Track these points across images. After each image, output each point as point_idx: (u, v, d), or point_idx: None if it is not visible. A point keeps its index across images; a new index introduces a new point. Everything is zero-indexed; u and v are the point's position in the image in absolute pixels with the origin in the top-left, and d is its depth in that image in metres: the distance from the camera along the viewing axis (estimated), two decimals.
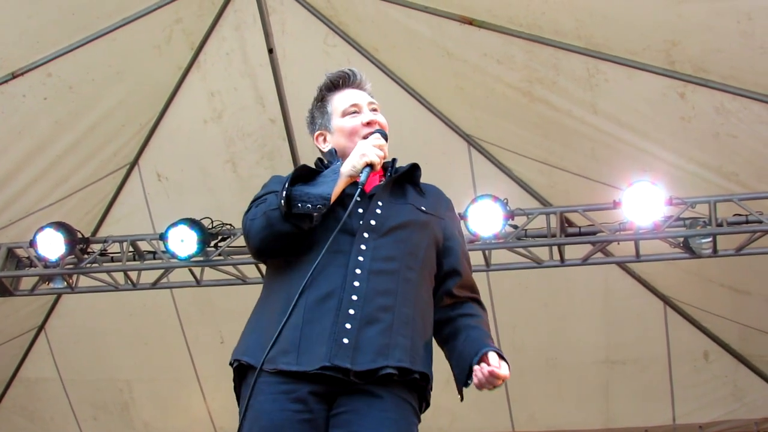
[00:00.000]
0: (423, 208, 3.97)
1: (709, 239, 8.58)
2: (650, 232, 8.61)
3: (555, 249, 9.09)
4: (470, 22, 8.48)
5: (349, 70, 4.24)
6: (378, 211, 3.84)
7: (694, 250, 8.62)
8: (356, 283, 3.61)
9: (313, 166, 3.97)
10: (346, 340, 3.49)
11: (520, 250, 9.11)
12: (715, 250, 8.62)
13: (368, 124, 4.04)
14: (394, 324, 3.60)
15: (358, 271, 3.65)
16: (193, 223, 9.29)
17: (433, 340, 3.93)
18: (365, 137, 3.97)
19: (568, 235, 8.97)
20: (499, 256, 9.32)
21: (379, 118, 4.09)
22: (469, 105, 9.45)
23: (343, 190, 3.78)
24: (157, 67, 9.55)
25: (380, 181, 4.02)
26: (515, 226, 8.97)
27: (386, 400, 3.52)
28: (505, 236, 8.92)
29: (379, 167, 3.88)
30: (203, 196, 10.25)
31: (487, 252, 9.19)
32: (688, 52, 7.76)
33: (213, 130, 10.04)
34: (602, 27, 7.95)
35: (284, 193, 3.61)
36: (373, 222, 3.79)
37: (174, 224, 9.31)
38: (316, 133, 4.20)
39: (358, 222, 3.78)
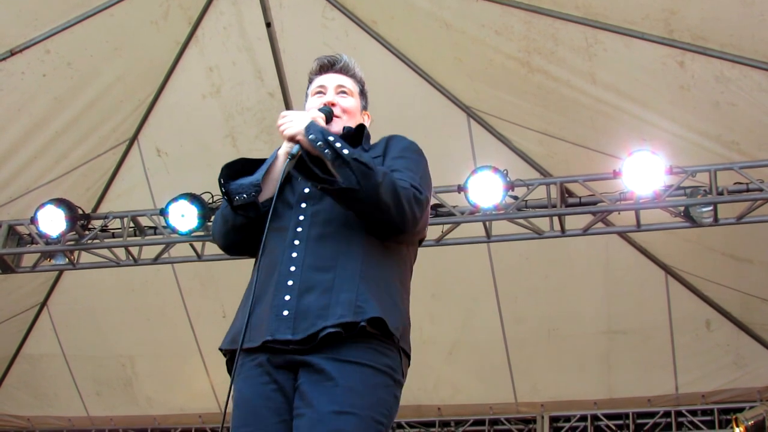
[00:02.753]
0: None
1: (710, 208, 8.56)
2: (651, 202, 8.60)
3: (555, 219, 9.07)
4: None
5: (334, 55, 4.29)
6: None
7: (694, 219, 8.61)
8: (294, 254, 3.66)
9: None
10: (285, 312, 3.52)
11: (521, 221, 9.10)
12: (715, 219, 8.60)
13: (325, 104, 4.08)
14: (336, 282, 3.57)
15: (296, 242, 3.70)
16: (194, 198, 9.29)
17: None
18: None
19: (568, 206, 8.95)
20: (500, 228, 9.31)
21: (342, 101, 4.13)
22: (468, 76, 9.44)
23: (291, 175, 3.84)
24: (155, 42, 9.53)
25: None
26: (515, 197, 8.95)
27: (335, 372, 3.45)
28: (505, 207, 8.90)
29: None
30: (203, 171, 10.24)
31: (487, 223, 9.18)
32: (687, 21, 7.75)
33: (212, 105, 10.03)
34: None
35: (222, 190, 3.79)
36: (307, 189, 3.84)
37: (174, 199, 9.30)
38: None
39: (295, 195, 3.86)
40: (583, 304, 10.93)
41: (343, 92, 4.16)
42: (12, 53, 8.74)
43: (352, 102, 4.16)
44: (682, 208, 8.65)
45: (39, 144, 9.65)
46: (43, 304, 11.91)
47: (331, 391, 3.40)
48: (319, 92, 4.16)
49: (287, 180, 3.84)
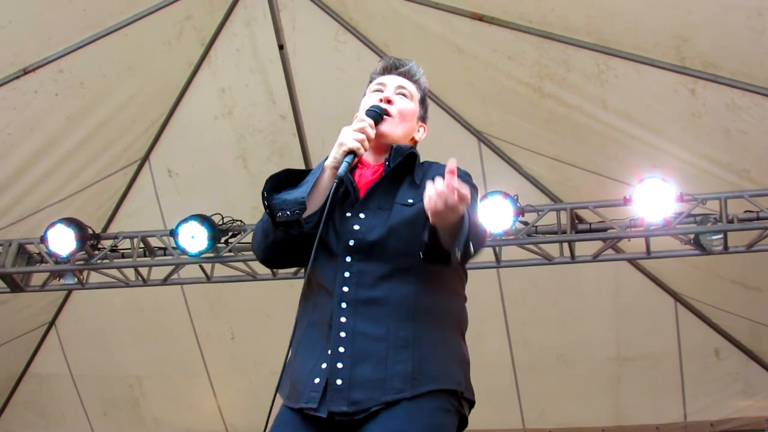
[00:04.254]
0: (410, 200, 3.67)
1: (720, 236, 8.56)
2: (661, 229, 8.59)
3: (565, 246, 9.07)
4: (480, 18, 8.48)
5: (401, 59, 4.15)
6: (356, 227, 3.64)
7: (704, 247, 8.60)
8: (343, 319, 3.49)
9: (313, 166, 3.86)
10: (339, 381, 3.39)
11: (531, 246, 9.09)
12: (725, 247, 8.59)
13: (381, 100, 3.90)
14: (390, 353, 3.43)
15: (343, 305, 3.51)
16: (204, 219, 9.29)
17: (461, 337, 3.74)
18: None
19: (578, 232, 8.95)
20: (510, 253, 9.30)
21: (400, 101, 3.95)
22: (480, 101, 9.45)
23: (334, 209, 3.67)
24: (168, 63, 9.57)
25: (378, 176, 3.81)
26: (525, 223, 8.95)
27: (399, 412, 3.36)
28: (515, 233, 8.90)
29: (362, 152, 3.68)
30: (214, 192, 10.26)
31: (497, 249, 9.18)
32: (698, 48, 7.75)
33: (223, 126, 10.06)
34: (612, 23, 7.94)
35: (265, 203, 3.59)
36: (351, 242, 3.61)
37: (184, 220, 9.31)
38: (354, 116, 4.02)
39: (339, 245, 3.63)
40: (592, 330, 10.90)
41: (403, 94, 3.98)
42: (25, 72, 8.76)
43: (411, 105, 3.98)
44: (692, 236, 8.65)
45: (50, 163, 9.66)
46: (52, 323, 11.90)
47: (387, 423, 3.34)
48: (378, 90, 3.99)
49: (330, 214, 3.61)
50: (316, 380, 3.41)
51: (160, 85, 9.80)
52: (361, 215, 3.66)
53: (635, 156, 8.92)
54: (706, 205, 8.54)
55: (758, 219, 8.46)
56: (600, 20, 7.96)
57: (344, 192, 3.71)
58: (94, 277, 10.18)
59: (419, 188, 3.69)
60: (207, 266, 9.81)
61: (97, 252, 9.78)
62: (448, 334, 3.63)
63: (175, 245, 9.50)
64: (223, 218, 9.52)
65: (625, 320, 10.75)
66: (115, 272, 9.97)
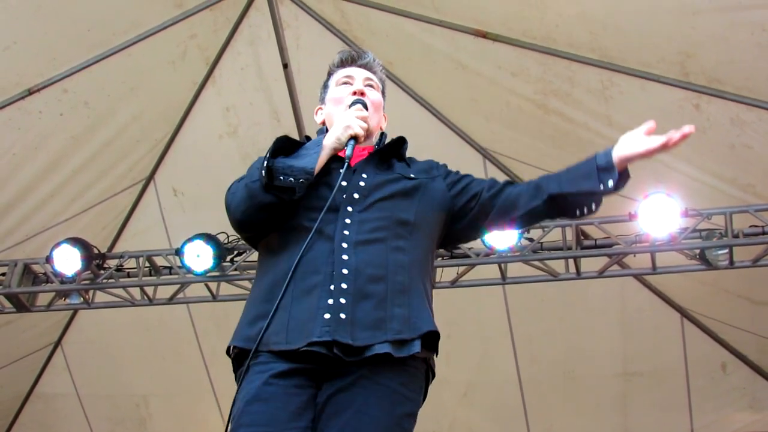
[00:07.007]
0: (411, 174, 3.91)
1: (726, 251, 8.54)
2: (666, 244, 8.58)
3: (571, 262, 9.07)
4: (484, 35, 8.49)
5: (360, 49, 4.33)
6: (362, 183, 3.78)
7: (710, 262, 8.59)
8: (345, 257, 3.54)
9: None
10: (343, 315, 3.40)
11: (536, 263, 9.08)
12: (731, 262, 8.58)
13: (354, 93, 4.03)
14: (389, 295, 3.49)
15: (344, 245, 3.56)
16: (209, 238, 9.27)
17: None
18: (349, 106, 3.96)
19: (584, 248, 8.94)
20: (515, 270, 9.30)
21: (370, 93, 4.08)
22: (484, 118, 9.45)
23: (327, 165, 3.77)
24: (172, 82, 9.58)
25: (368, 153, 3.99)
26: (531, 239, 8.95)
27: (371, 392, 3.36)
28: (520, 249, 8.89)
29: (363, 139, 3.83)
30: (219, 210, 10.15)
31: (502, 265, 9.16)
32: (702, 64, 7.75)
33: (228, 145, 10.06)
34: (616, 39, 7.95)
35: (266, 163, 3.62)
36: (356, 195, 3.73)
37: (190, 239, 9.29)
38: (317, 108, 4.24)
39: (341, 196, 3.70)
40: (599, 346, 10.87)
41: (371, 85, 4.12)
42: (30, 92, 8.78)
43: (379, 97, 4.13)
44: (697, 251, 8.63)
45: (55, 182, 9.68)
46: (58, 343, 11.90)
47: (356, 421, 3.31)
48: (346, 82, 4.11)
49: (324, 178, 3.76)
50: (326, 315, 3.41)
51: (165, 105, 9.81)
52: (364, 175, 3.83)
53: (640, 171, 8.80)
54: (711, 220, 8.53)
55: (763, 233, 8.45)
56: (604, 36, 7.97)
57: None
58: (100, 297, 10.17)
59: (414, 168, 4.02)
60: (213, 285, 9.80)
61: (102, 271, 9.79)
62: (429, 299, 3.73)
63: (180, 264, 9.50)
64: (228, 237, 9.50)
65: (632, 336, 10.73)
66: (120, 291, 9.98)
